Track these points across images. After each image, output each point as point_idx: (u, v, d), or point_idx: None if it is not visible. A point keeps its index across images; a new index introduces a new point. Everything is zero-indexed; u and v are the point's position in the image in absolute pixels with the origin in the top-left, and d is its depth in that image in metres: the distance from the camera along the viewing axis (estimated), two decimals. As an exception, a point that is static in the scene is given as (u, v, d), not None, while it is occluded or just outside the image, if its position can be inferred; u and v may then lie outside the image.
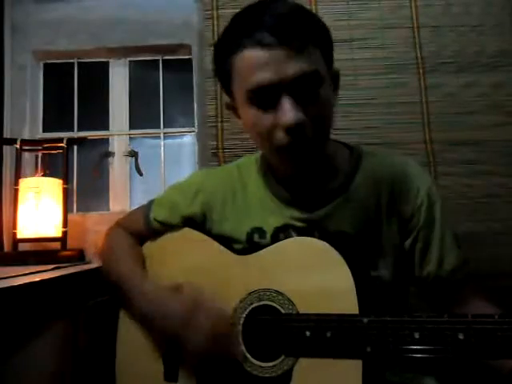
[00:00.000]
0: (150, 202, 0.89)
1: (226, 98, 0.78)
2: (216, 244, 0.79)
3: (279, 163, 0.72)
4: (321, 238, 0.73)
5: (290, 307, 0.66)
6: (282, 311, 0.67)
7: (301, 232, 0.75)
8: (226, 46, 0.68)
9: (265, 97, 0.64)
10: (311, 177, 0.75)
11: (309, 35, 0.64)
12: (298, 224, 0.75)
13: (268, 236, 0.77)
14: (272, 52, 0.62)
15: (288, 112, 0.62)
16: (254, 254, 0.73)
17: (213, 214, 0.82)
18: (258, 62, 0.63)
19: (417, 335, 0.58)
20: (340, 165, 0.77)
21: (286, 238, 0.75)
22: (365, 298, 0.62)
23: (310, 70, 0.63)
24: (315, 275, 0.66)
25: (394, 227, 0.74)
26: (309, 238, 0.71)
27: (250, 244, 0.77)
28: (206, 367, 0.71)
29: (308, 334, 0.63)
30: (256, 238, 0.77)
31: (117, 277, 0.81)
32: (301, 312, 0.66)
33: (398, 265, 0.74)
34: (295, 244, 0.71)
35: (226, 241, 0.80)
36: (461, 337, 0.55)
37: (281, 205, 0.77)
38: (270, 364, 0.66)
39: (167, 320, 0.70)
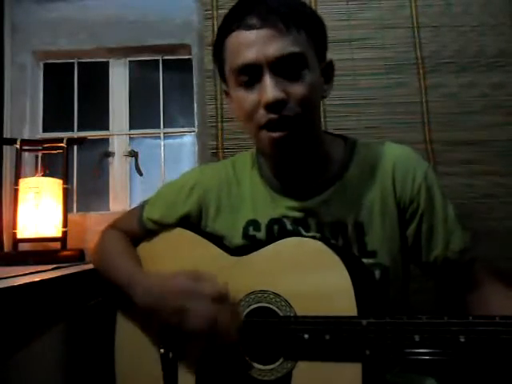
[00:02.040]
0: (144, 202, 0.89)
1: (225, 98, 0.79)
2: (211, 245, 0.78)
3: (263, 146, 0.71)
4: (317, 227, 0.74)
5: (288, 309, 0.66)
6: (280, 313, 0.66)
7: (296, 222, 0.75)
8: (221, 32, 0.72)
9: (250, 76, 0.67)
10: (304, 166, 0.75)
11: (296, 19, 0.67)
12: (293, 214, 0.75)
13: (263, 228, 0.77)
14: (257, 32, 0.66)
15: (268, 89, 0.64)
16: (250, 255, 0.73)
17: (209, 209, 0.82)
18: (244, 43, 0.67)
19: (417, 338, 0.56)
20: (334, 154, 0.77)
21: (280, 229, 0.75)
22: (364, 298, 0.62)
23: (293, 51, 0.65)
24: (312, 277, 0.66)
25: (391, 214, 0.73)
26: (306, 239, 0.70)
27: (245, 238, 0.77)
28: (206, 352, 0.70)
29: (306, 336, 0.63)
30: (251, 230, 0.77)
31: (114, 270, 0.80)
32: (298, 314, 0.65)
33: (397, 252, 0.73)
34: (292, 245, 0.70)
35: (221, 238, 0.80)
36: (462, 339, 0.54)
37: (275, 196, 0.78)
38: (270, 367, 0.66)
39: (170, 295, 0.68)
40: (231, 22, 0.69)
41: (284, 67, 0.65)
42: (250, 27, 0.66)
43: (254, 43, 0.65)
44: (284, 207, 0.76)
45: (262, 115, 0.66)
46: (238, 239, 0.78)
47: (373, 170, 0.75)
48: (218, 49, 0.73)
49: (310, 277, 0.66)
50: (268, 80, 0.65)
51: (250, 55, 0.65)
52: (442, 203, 0.74)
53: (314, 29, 0.70)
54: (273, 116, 0.65)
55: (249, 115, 0.68)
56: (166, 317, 0.69)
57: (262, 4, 0.67)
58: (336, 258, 0.64)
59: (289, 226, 0.75)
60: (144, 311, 0.73)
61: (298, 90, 0.66)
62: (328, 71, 0.74)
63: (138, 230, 0.87)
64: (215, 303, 0.65)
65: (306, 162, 0.75)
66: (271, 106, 0.65)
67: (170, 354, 0.75)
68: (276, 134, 0.66)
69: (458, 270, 0.73)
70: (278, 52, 0.64)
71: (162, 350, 0.76)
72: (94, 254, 0.89)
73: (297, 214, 0.75)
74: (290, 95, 0.65)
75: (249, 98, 0.67)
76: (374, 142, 0.82)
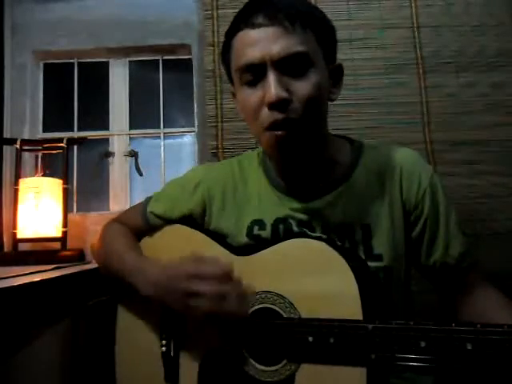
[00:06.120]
0: (148, 198, 0.89)
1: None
2: (214, 244, 0.78)
3: (267, 147, 0.70)
4: (322, 229, 0.74)
5: (292, 311, 0.65)
6: (284, 315, 0.66)
7: (301, 223, 0.75)
8: (229, 33, 0.72)
9: (254, 75, 0.66)
10: (309, 167, 0.75)
11: (303, 19, 0.66)
12: (299, 215, 0.75)
13: (268, 227, 0.76)
14: (261, 30, 0.65)
15: (271, 88, 0.64)
16: (255, 255, 0.72)
17: (212, 207, 0.82)
18: (248, 41, 0.66)
19: (423, 344, 0.55)
20: (340, 157, 0.77)
21: (286, 229, 0.75)
22: (370, 302, 0.61)
23: (298, 51, 0.64)
24: (318, 279, 0.65)
25: (398, 218, 0.74)
26: (311, 240, 0.70)
27: (249, 237, 0.77)
28: (212, 333, 0.69)
29: (311, 339, 0.62)
30: (256, 230, 0.77)
31: (117, 260, 0.79)
32: (303, 316, 0.64)
33: (402, 255, 0.74)
34: (297, 246, 0.69)
35: (224, 237, 0.79)
36: (469, 347, 0.53)
37: (281, 196, 0.77)
38: (273, 368, 0.65)
39: (174, 281, 0.67)
40: (238, 23, 0.69)
41: (289, 66, 0.65)
42: (256, 26, 0.65)
43: (258, 42, 0.65)
44: (289, 208, 0.76)
45: (267, 115, 0.66)
46: (241, 238, 0.78)
47: (380, 173, 0.75)
48: (226, 50, 0.73)
49: (315, 279, 0.65)
50: (271, 78, 0.64)
51: (254, 54, 0.65)
52: (445, 209, 0.75)
53: (322, 30, 0.69)
54: (277, 116, 0.65)
55: (253, 115, 0.68)
56: (171, 303, 0.69)
57: (268, 4, 0.67)
58: (342, 261, 0.63)
59: (295, 228, 0.75)
60: (148, 300, 0.72)
61: (302, 88, 0.65)
62: (337, 74, 0.74)
63: (142, 224, 0.87)
64: (220, 282, 0.65)
65: (310, 164, 0.75)
66: (275, 105, 0.64)
67: (172, 352, 0.76)
68: (278, 133, 0.66)
69: (455, 275, 0.75)
70: (283, 51, 0.64)
71: (163, 348, 0.76)
72: (95, 246, 0.88)
73: (301, 216, 0.75)
74: (294, 94, 0.65)
75: (253, 96, 0.67)
76: (380, 144, 0.82)
